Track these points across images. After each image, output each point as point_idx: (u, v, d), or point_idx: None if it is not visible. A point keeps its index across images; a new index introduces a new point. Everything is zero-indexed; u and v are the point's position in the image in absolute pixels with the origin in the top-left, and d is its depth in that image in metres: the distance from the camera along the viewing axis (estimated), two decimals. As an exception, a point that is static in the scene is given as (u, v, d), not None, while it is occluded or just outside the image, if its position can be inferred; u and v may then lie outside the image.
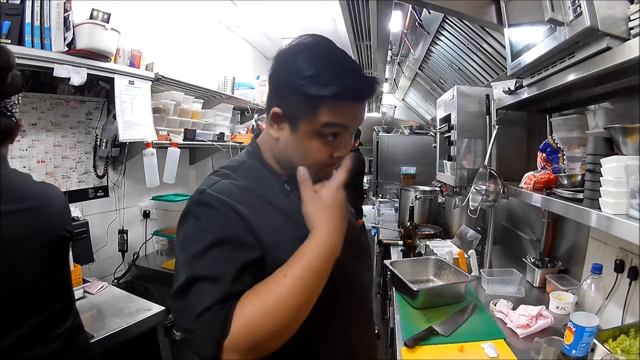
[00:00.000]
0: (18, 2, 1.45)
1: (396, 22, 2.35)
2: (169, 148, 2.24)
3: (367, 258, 0.97)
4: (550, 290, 1.49)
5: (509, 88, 1.45)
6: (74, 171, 1.98)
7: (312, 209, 0.68)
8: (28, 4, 1.46)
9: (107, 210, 2.16)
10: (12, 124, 0.93)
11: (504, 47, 1.39)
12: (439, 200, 2.72)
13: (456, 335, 1.22)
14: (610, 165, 0.87)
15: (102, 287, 1.72)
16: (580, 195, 1.02)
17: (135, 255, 2.26)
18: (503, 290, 1.57)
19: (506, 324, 1.29)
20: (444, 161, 2.07)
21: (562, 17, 0.90)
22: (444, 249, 1.90)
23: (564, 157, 1.33)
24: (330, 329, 0.75)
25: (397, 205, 3.28)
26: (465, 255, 1.76)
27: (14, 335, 0.85)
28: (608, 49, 0.83)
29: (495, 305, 1.39)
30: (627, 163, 0.83)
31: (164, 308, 1.60)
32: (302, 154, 0.73)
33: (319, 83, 0.67)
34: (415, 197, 2.67)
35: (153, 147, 2.05)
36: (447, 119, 1.99)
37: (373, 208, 3.74)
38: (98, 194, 2.11)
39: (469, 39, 1.93)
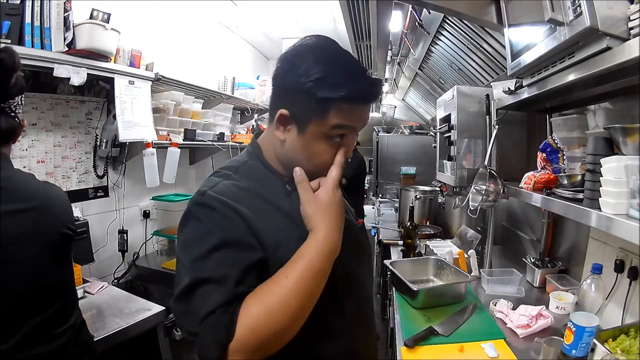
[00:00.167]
0: (18, 2, 1.45)
1: (396, 22, 2.34)
2: (169, 148, 2.24)
3: (368, 258, 0.97)
4: (550, 290, 1.49)
5: (509, 88, 1.45)
6: (74, 171, 1.98)
7: (311, 210, 0.68)
8: (28, 4, 1.47)
9: (107, 210, 2.16)
10: (16, 124, 0.94)
11: (504, 47, 1.39)
12: (439, 200, 2.72)
13: (456, 335, 1.22)
14: (610, 165, 0.86)
15: (102, 287, 1.73)
16: (580, 195, 1.02)
17: (135, 255, 2.26)
18: (503, 290, 1.57)
19: (506, 324, 1.29)
20: (444, 161, 2.07)
21: (562, 17, 0.90)
22: (444, 249, 1.90)
23: (564, 157, 1.33)
24: (331, 328, 0.76)
25: (397, 205, 3.28)
26: (465, 255, 1.76)
27: (20, 333, 0.86)
28: (608, 49, 0.83)
29: (495, 305, 1.39)
30: (627, 163, 0.83)
31: (164, 308, 1.60)
32: (310, 156, 0.73)
33: (328, 85, 0.67)
34: (415, 197, 2.67)
35: (153, 147, 2.05)
36: (447, 119, 1.99)
37: (373, 208, 3.74)
38: (98, 194, 2.11)
39: (469, 39, 1.93)
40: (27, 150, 1.75)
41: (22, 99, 0.95)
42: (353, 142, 0.76)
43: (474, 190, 1.60)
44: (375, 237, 2.90)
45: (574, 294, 1.29)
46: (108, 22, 1.70)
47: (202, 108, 2.73)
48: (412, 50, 2.76)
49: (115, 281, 2.11)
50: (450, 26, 2.00)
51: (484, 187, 1.55)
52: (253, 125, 3.37)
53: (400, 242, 2.27)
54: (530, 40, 1.13)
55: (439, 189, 2.79)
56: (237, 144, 2.81)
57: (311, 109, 0.69)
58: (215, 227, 0.66)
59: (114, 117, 1.92)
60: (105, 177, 2.14)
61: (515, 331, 1.24)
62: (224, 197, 0.69)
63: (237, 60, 3.62)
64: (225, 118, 2.98)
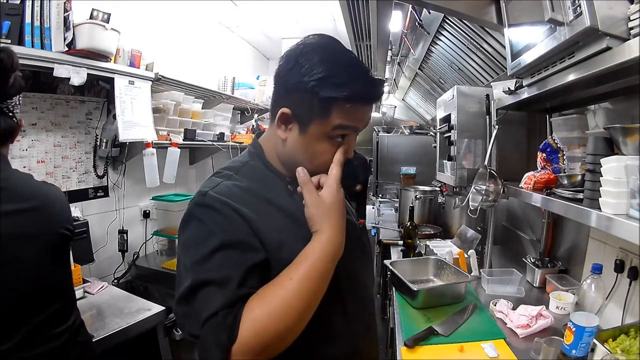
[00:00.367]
0: (18, 2, 1.45)
1: (396, 22, 2.34)
2: (169, 148, 2.24)
3: (369, 259, 0.97)
4: (550, 290, 1.49)
5: (509, 88, 1.45)
6: (74, 171, 1.98)
7: (315, 212, 0.68)
8: (28, 4, 1.46)
9: (107, 210, 2.16)
10: (13, 124, 0.93)
11: (504, 47, 1.39)
12: (439, 200, 2.72)
13: (456, 335, 1.22)
14: (610, 165, 0.86)
15: (102, 287, 1.73)
16: (580, 195, 1.02)
17: (135, 255, 2.26)
18: (503, 290, 1.57)
19: (506, 324, 1.29)
20: (444, 161, 2.07)
21: (562, 17, 0.90)
22: (444, 249, 1.90)
23: (564, 157, 1.33)
24: (333, 329, 0.75)
25: (397, 205, 3.28)
26: (465, 255, 1.76)
27: (19, 333, 0.86)
28: (608, 49, 0.83)
29: (495, 305, 1.39)
30: (627, 163, 0.83)
31: (164, 308, 1.61)
32: (311, 156, 0.72)
33: (332, 85, 0.67)
34: (415, 197, 2.67)
35: (153, 147, 2.05)
36: (447, 119, 1.99)
37: (373, 208, 3.74)
38: (98, 194, 2.11)
39: (469, 39, 1.93)
40: (27, 150, 1.75)
41: (20, 99, 0.95)
42: (354, 142, 0.76)
43: (474, 190, 1.60)
44: (375, 237, 2.90)
45: (574, 294, 1.30)
46: (108, 22, 1.70)
47: (202, 108, 2.73)
48: (412, 50, 2.76)
49: (115, 281, 2.11)
50: (450, 26, 2.00)
51: (484, 187, 1.55)
52: (253, 125, 3.37)
53: (400, 242, 2.27)
54: (530, 40, 1.13)
55: (439, 189, 2.79)
56: (237, 144, 2.81)
57: (313, 108, 0.69)
58: (216, 228, 0.65)
59: (114, 117, 1.92)
60: (105, 177, 2.14)
61: (515, 331, 1.24)
62: (226, 197, 0.68)
63: (237, 60, 3.62)
64: (225, 118, 2.98)
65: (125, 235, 2.15)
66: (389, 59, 3.20)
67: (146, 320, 1.52)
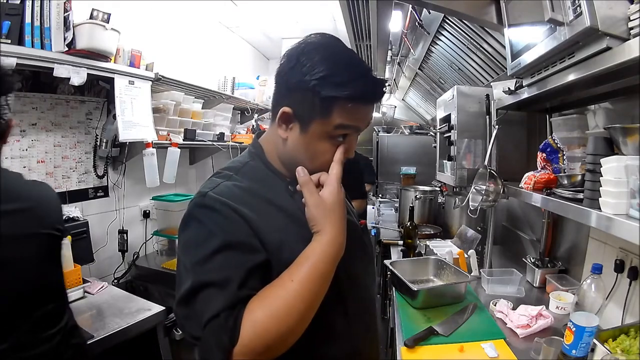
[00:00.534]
0: (18, 2, 1.45)
1: (396, 22, 2.34)
2: (169, 148, 2.24)
3: (370, 259, 0.96)
4: (550, 290, 1.49)
5: (509, 88, 1.45)
6: (74, 171, 1.98)
7: (316, 213, 0.67)
8: (28, 4, 1.47)
9: (107, 210, 2.16)
10: (3, 125, 0.90)
11: (504, 47, 1.39)
12: (439, 200, 2.72)
13: (456, 335, 1.22)
14: (610, 165, 0.86)
15: (102, 287, 1.72)
16: (580, 195, 1.02)
17: (135, 255, 2.26)
18: (503, 290, 1.57)
19: (506, 324, 1.29)
20: (444, 161, 2.07)
21: (562, 17, 0.90)
22: (444, 249, 1.90)
23: (564, 157, 1.32)
24: (334, 329, 0.75)
25: (397, 205, 3.28)
26: (465, 255, 1.76)
27: (9, 337, 0.84)
28: (608, 49, 0.83)
29: (495, 305, 1.39)
30: (627, 163, 0.83)
31: (164, 308, 1.60)
32: (311, 155, 0.72)
33: (333, 84, 0.67)
34: (415, 197, 2.67)
35: (153, 147, 2.05)
36: (447, 119, 1.99)
37: (373, 208, 3.74)
38: (98, 194, 2.11)
39: (469, 39, 1.93)
40: (27, 150, 1.75)
41: (8, 99, 0.91)
42: (355, 142, 0.76)
43: (474, 190, 1.60)
44: (375, 237, 2.90)
45: (574, 294, 1.29)
46: (108, 22, 1.70)
47: (202, 108, 2.73)
48: (412, 50, 2.76)
49: (115, 281, 2.11)
50: (450, 26, 2.00)
51: (484, 187, 1.55)
52: (253, 125, 3.37)
53: (400, 242, 2.27)
54: (530, 40, 1.13)
55: (439, 189, 2.79)
56: (237, 144, 2.81)
57: (315, 107, 0.68)
58: (216, 229, 0.65)
59: (114, 117, 1.92)
60: (105, 177, 2.14)
61: (515, 331, 1.24)
62: (226, 198, 0.68)
63: (237, 60, 3.62)
64: (225, 118, 2.98)
65: (125, 235, 2.15)
66: (389, 59, 3.20)
67: (146, 320, 1.52)
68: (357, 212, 1.32)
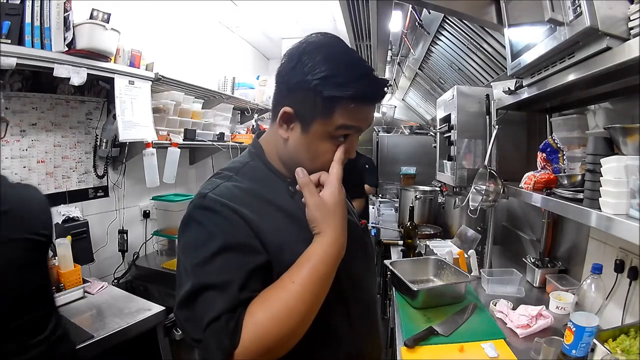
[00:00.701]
0: (18, 2, 1.45)
1: (396, 22, 2.34)
2: (169, 148, 2.24)
3: (371, 260, 0.96)
4: (550, 290, 1.49)
5: (509, 88, 1.45)
6: (74, 171, 1.98)
7: (317, 214, 0.67)
8: (28, 4, 1.46)
9: (107, 210, 2.16)
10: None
11: (504, 47, 1.39)
12: (439, 200, 2.72)
13: (456, 335, 1.22)
14: (610, 165, 0.87)
15: (102, 287, 1.72)
16: (580, 195, 1.02)
17: (135, 255, 2.26)
18: (503, 290, 1.57)
19: (506, 324, 1.29)
20: (444, 161, 2.07)
21: (562, 17, 0.90)
22: (444, 249, 1.90)
23: (564, 157, 1.33)
24: (336, 330, 0.75)
25: (397, 205, 3.28)
26: (465, 255, 1.76)
27: None
28: (608, 49, 0.83)
29: (495, 305, 1.39)
30: (627, 163, 0.83)
31: (164, 308, 1.60)
32: (313, 156, 0.72)
33: (335, 84, 0.66)
34: (415, 197, 2.67)
35: (153, 147, 2.05)
36: (447, 119, 1.99)
37: (373, 208, 3.74)
38: (98, 194, 2.11)
39: (469, 39, 1.93)
40: (27, 150, 1.75)
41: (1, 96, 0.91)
42: (356, 143, 0.76)
43: (474, 190, 1.60)
44: (375, 237, 2.90)
45: (574, 294, 1.30)
46: (108, 22, 1.70)
47: (202, 108, 2.73)
48: (412, 50, 2.76)
49: (115, 281, 2.11)
50: (450, 26, 2.00)
51: (484, 187, 1.55)
52: (253, 125, 3.37)
53: (400, 242, 2.27)
54: (530, 40, 1.13)
55: (439, 189, 2.79)
56: (237, 144, 2.81)
57: (316, 107, 0.68)
58: (217, 231, 0.65)
59: (114, 117, 1.92)
60: (105, 177, 2.14)
61: (515, 331, 1.24)
62: (226, 199, 0.68)
63: (237, 60, 3.62)
64: (225, 118, 2.98)
65: (125, 235, 2.15)
66: (389, 59, 3.20)
67: (146, 320, 1.52)
68: (357, 212, 1.31)
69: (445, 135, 2.05)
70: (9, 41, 1.41)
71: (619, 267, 1.19)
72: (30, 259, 0.93)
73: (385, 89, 0.74)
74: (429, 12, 2.03)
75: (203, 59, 2.98)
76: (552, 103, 1.50)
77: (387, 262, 1.68)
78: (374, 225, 3.01)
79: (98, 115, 2.07)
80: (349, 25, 2.27)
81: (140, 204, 2.39)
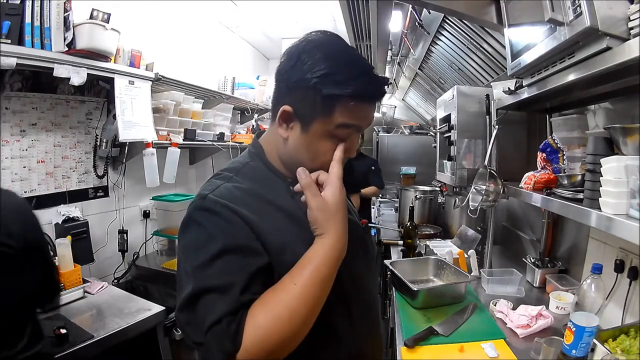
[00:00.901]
0: (18, 2, 1.45)
1: (396, 22, 2.34)
2: (169, 148, 2.24)
3: (372, 260, 0.96)
4: (550, 290, 1.49)
5: (509, 88, 1.45)
6: (74, 171, 1.98)
7: (319, 215, 0.66)
8: (28, 4, 1.46)
9: (107, 210, 2.16)
10: None
11: (504, 47, 1.39)
12: (439, 200, 2.72)
13: (456, 335, 1.22)
14: (610, 165, 0.87)
15: (102, 287, 1.73)
16: (580, 195, 1.02)
17: (135, 255, 2.26)
18: (503, 290, 1.56)
19: (506, 324, 1.29)
20: (444, 161, 2.07)
21: (562, 17, 0.90)
22: (444, 249, 1.90)
23: (564, 157, 1.33)
24: (338, 331, 0.75)
25: (397, 205, 3.29)
26: (465, 255, 1.76)
27: None
28: (608, 49, 0.83)
29: (495, 305, 1.39)
30: (627, 163, 0.83)
31: (164, 308, 1.61)
32: (313, 155, 0.71)
33: (335, 82, 0.66)
34: (415, 197, 2.67)
35: (153, 147, 2.05)
36: (447, 119, 1.99)
37: (373, 208, 3.74)
38: (98, 194, 2.11)
39: (469, 39, 1.93)
40: (27, 150, 1.75)
41: None
42: (357, 141, 0.75)
43: (474, 190, 1.60)
44: (375, 237, 2.90)
45: (574, 294, 1.30)
46: (108, 22, 1.70)
47: (202, 108, 2.73)
48: (412, 50, 2.76)
49: (115, 281, 2.11)
50: (450, 26, 2.00)
51: (484, 187, 1.55)
52: (253, 125, 3.37)
53: (400, 242, 2.27)
54: (530, 40, 1.13)
55: (439, 189, 2.79)
56: (237, 144, 2.81)
57: (316, 106, 0.68)
58: (217, 232, 0.64)
59: (114, 117, 1.92)
60: (105, 177, 2.14)
61: (515, 331, 1.24)
62: (226, 200, 0.67)
63: (237, 60, 3.62)
64: (225, 118, 2.98)
65: (125, 235, 2.15)
66: (389, 59, 3.20)
67: (146, 320, 1.52)
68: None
69: (445, 135, 2.05)
70: (9, 41, 1.41)
71: (619, 267, 1.19)
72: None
73: (386, 87, 0.74)
74: (429, 12, 2.03)
75: (203, 59, 2.98)
76: (552, 103, 1.50)
77: (387, 262, 1.68)
78: (374, 225, 3.01)
79: (98, 115, 2.07)
80: (349, 25, 2.27)
81: (140, 204, 2.39)
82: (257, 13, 3.10)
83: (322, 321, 0.65)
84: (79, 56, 1.65)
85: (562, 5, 0.89)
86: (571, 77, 0.99)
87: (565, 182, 1.20)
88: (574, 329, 0.95)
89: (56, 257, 1.61)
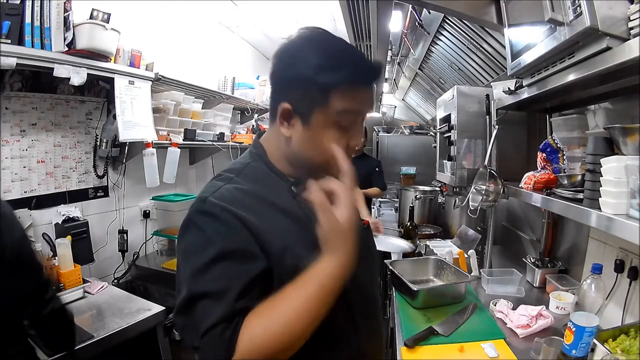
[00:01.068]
0: (18, 2, 1.45)
1: (396, 22, 2.34)
2: (169, 148, 2.24)
3: (374, 261, 0.96)
4: (550, 290, 1.49)
5: (509, 88, 1.45)
6: (74, 171, 1.98)
7: (331, 235, 0.63)
8: (28, 4, 1.46)
9: (107, 210, 2.16)
10: None
11: (504, 47, 1.39)
12: (439, 200, 2.73)
13: (456, 335, 1.22)
14: (610, 165, 0.87)
15: (102, 287, 1.73)
16: (580, 195, 1.02)
17: (135, 255, 2.26)
18: (503, 290, 1.56)
19: (506, 324, 1.29)
20: (444, 161, 2.07)
21: (562, 17, 0.90)
22: (444, 249, 1.90)
23: (564, 157, 1.33)
24: (341, 333, 0.75)
25: (397, 205, 3.29)
26: (465, 255, 1.76)
27: None
28: (608, 49, 0.83)
29: (495, 305, 1.39)
30: (627, 163, 0.83)
31: (164, 308, 1.60)
32: (319, 148, 0.70)
33: (328, 70, 0.67)
34: (415, 197, 2.67)
35: (153, 147, 2.05)
36: (447, 119, 1.99)
37: (373, 208, 3.74)
38: (98, 194, 2.11)
39: (469, 39, 1.93)
40: (27, 150, 1.75)
41: None
42: (361, 127, 0.74)
43: (474, 190, 1.60)
44: (376, 237, 2.90)
45: (574, 294, 1.30)
46: (108, 22, 1.70)
47: (202, 108, 2.73)
48: (412, 50, 2.76)
49: (115, 281, 2.11)
50: (450, 26, 2.00)
51: (484, 187, 1.55)
52: (253, 125, 3.37)
53: (400, 242, 2.27)
54: (530, 40, 1.13)
55: (439, 189, 2.79)
56: (237, 144, 2.81)
57: (313, 97, 0.68)
58: (216, 237, 0.64)
59: (114, 117, 1.92)
60: (105, 177, 2.14)
61: (515, 331, 1.24)
62: (227, 203, 0.67)
63: (237, 60, 3.62)
64: (225, 118, 2.98)
65: (125, 235, 2.15)
66: (389, 59, 3.20)
67: (146, 320, 1.52)
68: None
69: (445, 135, 2.05)
70: (9, 41, 1.41)
71: (619, 267, 1.19)
72: None
73: (380, 69, 0.74)
74: (429, 12, 2.03)
75: (203, 59, 2.97)
76: (552, 103, 1.50)
77: (387, 262, 1.68)
78: (373, 225, 3.01)
79: (98, 115, 2.07)
80: (349, 25, 2.27)
81: (140, 204, 2.39)
82: (257, 13, 3.09)
83: (324, 321, 0.64)
84: (79, 56, 1.65)
85: (562, 5, 0.89)
86: (571, 77, 0.99)
87: (565, 182, 1.20)
88: (574, 329, 0.95)
89: (56, 257, 1.61)
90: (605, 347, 0.93)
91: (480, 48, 1.91)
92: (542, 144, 1.43)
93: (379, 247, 1.30)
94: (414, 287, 1.39)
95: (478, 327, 1.28)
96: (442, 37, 2.21)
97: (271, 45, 3.92)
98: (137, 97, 2.01)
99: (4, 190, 1.64)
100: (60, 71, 1.58)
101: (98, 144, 2.07)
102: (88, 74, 1.69)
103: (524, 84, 1.32)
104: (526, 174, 1.41)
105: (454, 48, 2.19)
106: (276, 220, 0.70)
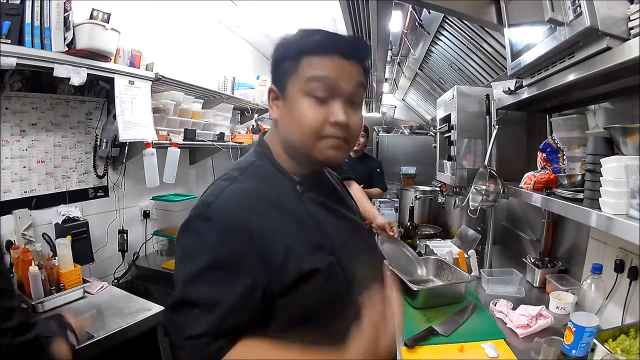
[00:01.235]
0: (18, 2, 1.45)
1: (396, 22, 2.34)
2: (169, 148, 2.24)
3: (376, 261, 0.95)
4: (550, 290, 1.49)
5: (509, 88, 1.45)
6: (74, 171, 1.98)
7: (364, 352, 0.61)
8: (28, 4, 1.46)
9: (107, 210, 2.16)
10: None
11: (504, 47, 1.39)
12: (439, 200, 2.72)
13: (456, 335, 1.23)
14: (610, 165, 0.87)
15: (102, 287, 1.72)
16: (580, 195, 1.02)
17: (135, 255, 2.26)
18: (503, 290, 1.56)
19: (506, 324, 1.29)
20: (444, 161, 2.07)
21: (562, 17, 0.90)
22: (444, 249, 1.90)
23: (564, 157, 1.33)
24: (343, 332, 0.74)
25: (397, 205, 3.28)
26: (465, 255, 1.76)
27: None
28: (608, 49, 0.83)
29: (495, 305, 1.39)
30: (627, 163, 0.83)
31: (164, 308, 1.60)
32: (296, 119, 0.69)
33: (299, 41, 0.70)
34: (415, 197, 2.67)
35: (153, 147, 2.05)
36: (447, 119, 1.99)
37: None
38: (98, 194, 2.11)
39: (469, 39, 1.93)
40: (27, 150, 1.75)
41: None
42: (340, 107, 0.69)
43: (474, 190, 1.60)
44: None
45: (574, 294, 1.30)
46: (108, 22, 1.69)
47: (202, 108, 2.73)
48: (412, 50, 2.76)
49: (115, 281, 2.11)
50: (450, 26, 2.00)
51: (484, 187, 1.55)
52: (253, 126, 3.36)
53: (400, 242, 2.27)
54: (530, 40, 1.13)
55: (439, 189, 2.79)
56: (237, 144, 2.81)
57: (286, 70, 0.71)
58: (212, 244, 0.63)
59: (114, 117, 1.92)
60: (105, 177, 2.14)
61: (515, 331, 1.24)
62: (230, 206, 0.66)
63: (237, 60, 3.62)
64: (225, 118, 2.98)
65: (125, 235, 2.15)
66: (389, 59, 3.19)
67: (146, 320, 1.52)
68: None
69: (445, 135, 2.05)
70: (9, 41, 1.41)
71: (619, 267, 1.19)
72: None
73: (359, 44, 0.74)
74: (429, 12, 2.03)
75: (203, 59, 2.97)
76: (552, 103, 1.50)
77: (387, 262, 1.68)
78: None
79: (98, 115, 2.07)
80: (349, 25, 2.27)
81: (140, 204, 2.39)
82: (257, 13, 3.09)
83: (327, 322, 0.64)
84: (79, 56, 1.65)
85: (562, 5, 0.89)
86: (571, 77, 0.99)
87: (565, 182, 1.20)
88: (574, 329, 0.95)
89: (56, 257, 1.61)
90: (605, 347, 0.93)
91: (480, 48, 1.91)
92: (542, 144, 1.43)
93: None
94: (414, 287, 1.39)
95: (478, 327, 1.28)
96: (442, 37, 2.21)
97: (271, 45, 3.83)
98: (137, 97, 2.00)
99: (4, 190, 1.64)
100: (60, 71, 1.58)
101: (98, 144, 2.07)
102: (88, 74, 1.69)
103: (524, 84, 1.32)
104: (526, 174, 1.41)
105: (454, 48, 2.19)
106: (279, 221, 0.69)
